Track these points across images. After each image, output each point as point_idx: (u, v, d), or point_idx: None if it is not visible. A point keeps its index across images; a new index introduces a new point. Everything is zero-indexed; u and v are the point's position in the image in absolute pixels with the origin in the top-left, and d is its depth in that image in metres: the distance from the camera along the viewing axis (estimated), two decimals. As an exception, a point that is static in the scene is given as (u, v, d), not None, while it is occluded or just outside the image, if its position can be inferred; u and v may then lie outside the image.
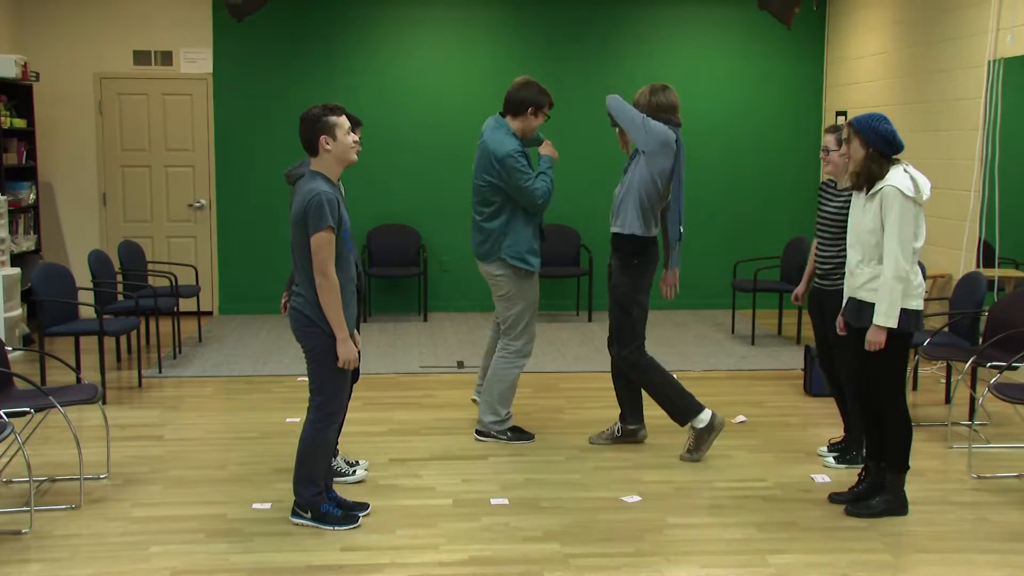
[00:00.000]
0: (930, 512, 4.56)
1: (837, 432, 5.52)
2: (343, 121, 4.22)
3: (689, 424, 5.35)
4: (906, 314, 4.33)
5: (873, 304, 4.35)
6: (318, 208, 4.08)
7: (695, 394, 5.38)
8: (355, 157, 4.30)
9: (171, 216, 9.63)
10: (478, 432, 5.67)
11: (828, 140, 5.08)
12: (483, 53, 9.71)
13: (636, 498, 4.76)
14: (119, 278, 8.07)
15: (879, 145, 4.31)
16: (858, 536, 4.33)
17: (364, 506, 4.57)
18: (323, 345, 4.21)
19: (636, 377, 5.45)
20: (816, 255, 5.16)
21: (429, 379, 7.20)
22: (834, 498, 4.70)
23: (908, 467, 4.54)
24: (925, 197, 4.31)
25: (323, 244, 4.10)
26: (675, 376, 5.48)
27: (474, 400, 5.97)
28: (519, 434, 5.68)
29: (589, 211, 9.66)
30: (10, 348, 5.77)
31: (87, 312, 6.99)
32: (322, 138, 4.19)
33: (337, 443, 4.87)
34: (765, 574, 3.95)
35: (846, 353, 4.81)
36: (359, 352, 4.34)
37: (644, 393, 5.53)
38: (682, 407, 5.35)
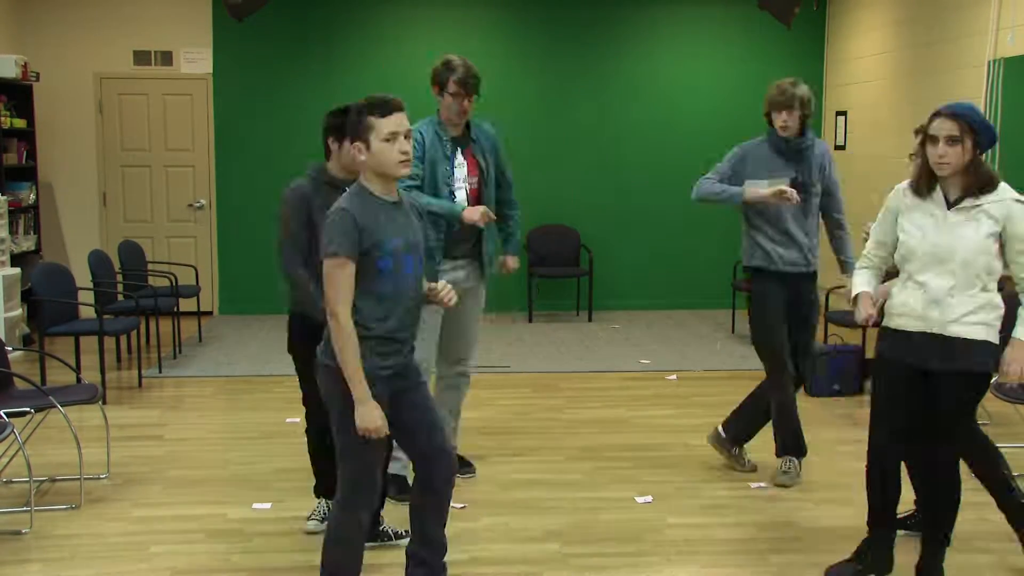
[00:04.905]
0: (930, 512, 4.56)
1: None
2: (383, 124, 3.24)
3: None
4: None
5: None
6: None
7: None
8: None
9: (171, 216, 9.62)
10: None
11: None
12: (484, 53, 9.62)
13: (648, 499, 4.74)
14: (119, 278, 8.07)
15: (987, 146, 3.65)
16: (858, 536, 4.33)
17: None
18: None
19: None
20: None
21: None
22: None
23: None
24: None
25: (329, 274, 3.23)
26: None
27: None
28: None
29: (589, 211, 9.66)
30: (10, 348, 5.77)
31: (87, 312, 6.98)
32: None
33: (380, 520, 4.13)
34: (765, 574, 3.95)
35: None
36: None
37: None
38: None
